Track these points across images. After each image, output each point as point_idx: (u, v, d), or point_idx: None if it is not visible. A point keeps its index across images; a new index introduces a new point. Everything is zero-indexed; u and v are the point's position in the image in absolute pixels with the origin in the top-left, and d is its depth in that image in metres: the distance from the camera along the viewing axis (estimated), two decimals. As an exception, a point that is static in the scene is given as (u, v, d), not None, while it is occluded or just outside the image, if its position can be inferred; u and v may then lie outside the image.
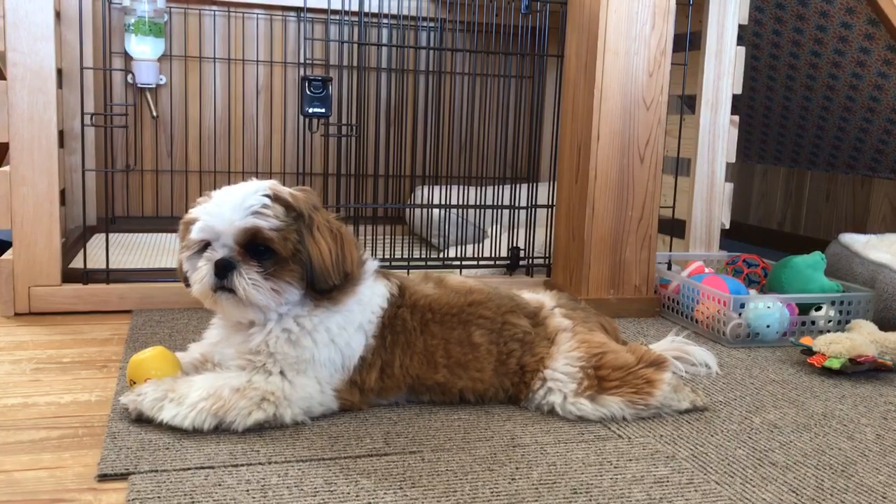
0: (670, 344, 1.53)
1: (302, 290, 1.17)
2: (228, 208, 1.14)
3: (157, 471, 1.02)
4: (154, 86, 2.57)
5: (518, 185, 2.40)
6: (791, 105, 2.66)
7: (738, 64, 2.11)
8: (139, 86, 2.54)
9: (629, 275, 1.92)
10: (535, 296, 1.41)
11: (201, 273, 1.15)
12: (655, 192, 1.91)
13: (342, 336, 1.20)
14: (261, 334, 1.18)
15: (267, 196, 1.15)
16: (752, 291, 1.90)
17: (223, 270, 1.14)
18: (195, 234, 1.16)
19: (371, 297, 1.24)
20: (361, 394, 1.23)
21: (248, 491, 0.98)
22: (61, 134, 1.88)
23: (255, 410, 1.14)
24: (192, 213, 1.18)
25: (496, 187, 2.39)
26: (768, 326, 1.71)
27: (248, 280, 1.13)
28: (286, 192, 1.18)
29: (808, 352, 1.59)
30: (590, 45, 1.86)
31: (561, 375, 1.26)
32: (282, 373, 1.17)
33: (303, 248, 1.15)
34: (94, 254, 2.04)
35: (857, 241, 2.07)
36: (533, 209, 2.14)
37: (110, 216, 2.56)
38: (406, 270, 1.95)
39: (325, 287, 1.17)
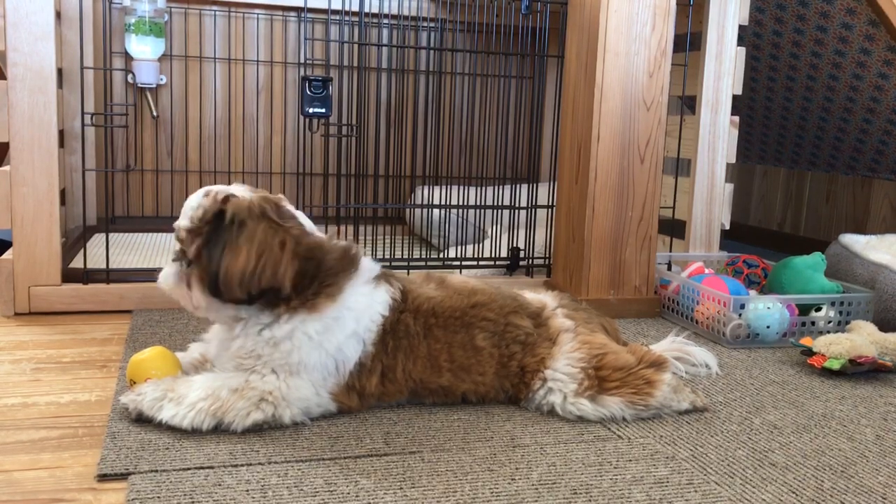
0: (670, 344, 1.53)
1: (207, 296, 1.16)
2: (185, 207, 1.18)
3: (156, 471, 1.02)
4: (154, 86, 2.58)
5: (518, 186, 2.40)
6: (791, 106, 2.66)
7: (738, 64, 2.11)
8: (139, 86, 2.54)
9: (629, 275, 1.92)
10: (537, 296, 1.41)
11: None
12: (655, 193, 1.91)
13: (330, 341, 1.17)
14: (239, 339, 1.18)
15: (206, 195, 1.16)
16: (752, 292, 1.90)
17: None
18: None
19: (370, 303, 1.22)
20: (361, 398, 1.22)
21: (247, 491, 0.98)
22: (61, 134, 1.88)
23: (253, 411, 1.14)
24: None
25: (496, 187, 2.39)
26: (768, 327, 1.71)
27: (164, 274, 1.19)
28: (229, 193, 1.16)
29: (808, 352, 1.59)
30: (590, 45, 1.86)
31: (562, 375, 1.26)
32: (275, 372, 1.17)
33: (208, 254, 1.13)
34: (95, 253, 2.04)
35: (857, 242, 2.07)
36: (533, 209, 2.14)
37: (110, 216, 2.56)
38: (406, 271, 1.95)
39: (230, 299, 1.14)
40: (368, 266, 1.26)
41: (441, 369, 1.25)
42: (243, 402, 1.14)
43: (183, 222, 1.16)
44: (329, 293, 1.18)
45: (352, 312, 1.20)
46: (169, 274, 1.19)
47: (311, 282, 1.18)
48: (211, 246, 1.13)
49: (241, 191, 1.18)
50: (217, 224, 1.14)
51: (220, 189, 1.17)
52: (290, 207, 1.23)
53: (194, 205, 1.16)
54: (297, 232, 1.18)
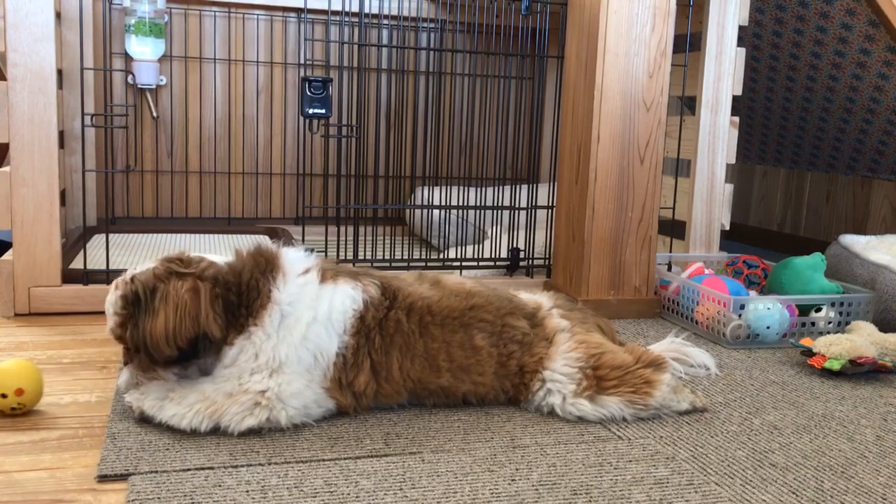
0: (669, 345, 1.53)
1: (162, 369, 1.18)
2: None
3: (156, 471, 1.02)
4: (154, 86, 2.58)
5: (518, 186, 2.40)
6: (791, 106, 2.66)
7: (738, 65, 2.11)
8: (139, 86, 2.54)
9: (629, 276, 1.93)
10: (532, 296, 1.41)
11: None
12: (655, 193, 1.91)
13: (291, 334, 1.17)
14: (217, 365, 1.19)
15: (116, 288, 1.18)
16: (752, 292, 1.90)
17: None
18: None
19: (320, 293, 1.20)
20: (356, 398, 1.22)
21: (247, 492, 0.98)
22: (61, 134, 1.88)
23: (247, 417, 1.14)
24: None
25: (496, 188, 2.39)
26: (768, 327, 1.71)
27: (124, 376, 1.22)
28: (133, 274, 1.17)
29: (808, 353, 1.59)
30: (590, 46, 1.86)
31: (560, 377, 1.26)
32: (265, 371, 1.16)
33: (136, 333, 1.16)
34: (95, 254, 2.04)
35: (857, 243, 2.07)
36: (533, 210, 2.14)
37: (110, 217, 2.56)
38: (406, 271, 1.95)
39: (163, 360, 1.16)
40: (293, 258, 1.24)
41: (440, 369, 1.25)
42: (237, 406, 1.13)
43: (110, 322, 1.18)
44: (260, 304, 1.18)
45: (297, 305, 1.19)
46: (122, 379, 1.22)
47: (238, 308, 1.18)
48: (137, 324, 1.16)
49: (143, 266, 1.19)
50: (137, 304, 1.16)
51: (125, 275, 1.19)
52: (198, 255, 1.23)
53: (112, 300, 1.18)
54: (210, 272, 1.17)
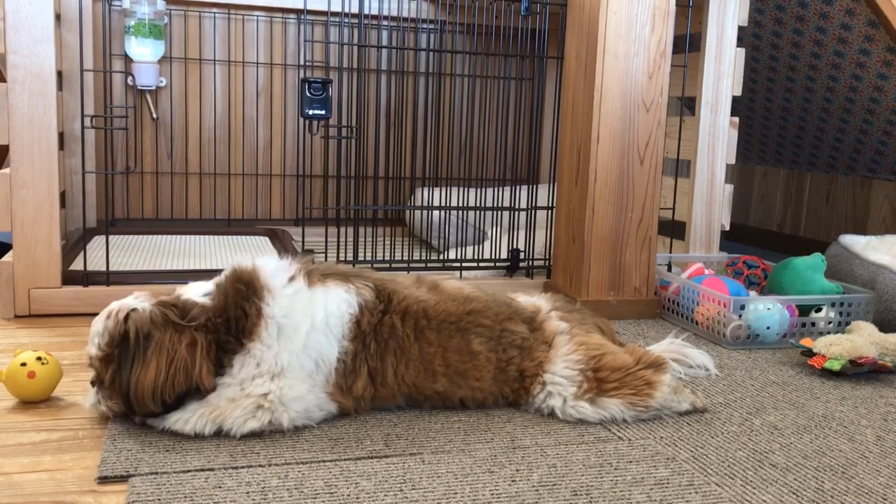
0: (669, 346, 1.53)
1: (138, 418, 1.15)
2: None
3: (157, 473, 1.02)
4: (154, 88, 2.58)
5: (518, 187, 2.40)
6: (791, 106, 2.66)
7: (737, 65, 2.12)
8: (139, 88, 2.55)
9: (629, 276, 1.93)
10: (530, 299, 1.41)
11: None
12: (655, 194, 1.91)
13: (293, 342, 1.16)
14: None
15: (108, 318, 1.14)
16: (752, 293, 1.90)
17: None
18: None
19: (312, 299, 1.19)
20: (355, 402, 1.22)
21: (248, 493, 0.98)
22: (61, 136, 1.88)
23: (250, 419, 1.13)
24: None
25: (496, 189, 2.39)
26: (768, 328, 1.71)
27: (91, 399, 1.18)
28: (129, 310, 1.14)
29: (809, 353, 1.59)
30: (589, 46, 1.86)
31: (560, 379, 1.26)
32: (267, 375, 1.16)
33: (120, 376, 1.12)
34: (94, 256, 2.04)
35: (857, 243, 2.07)
36: (533, 211, 2.14)
37: (110, 218, 2.56)
38: (406, 272, 1.95)
39: (143, 414, 1.14)
40: (272, 270, 1.21)
41: (436, 374, 1.24)
42: (239, 410, 1.13)
43: (92, 350, 1.15)
44: (252, 324, 1.16)
45: (292, 315, 1.17)
46: (90, 401, 1.19)
47: (229, 337, 1.16)
48: (122, 367, 1.13)
49: (139, 302, 1.15)
50: (124, 345, 1.13)
51: (121, 307, 1.15)
52: (183, 289, 1.20)
53: (99, 330, 1.14)
54: (203, 319, 1.15)
